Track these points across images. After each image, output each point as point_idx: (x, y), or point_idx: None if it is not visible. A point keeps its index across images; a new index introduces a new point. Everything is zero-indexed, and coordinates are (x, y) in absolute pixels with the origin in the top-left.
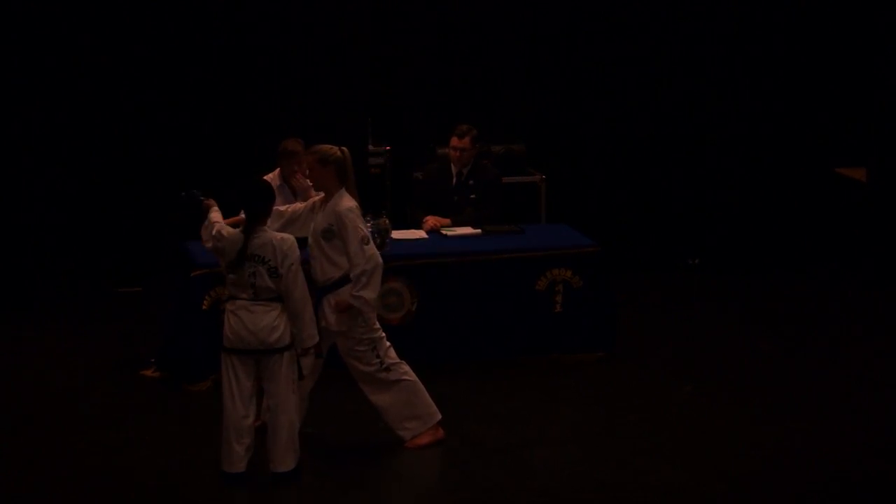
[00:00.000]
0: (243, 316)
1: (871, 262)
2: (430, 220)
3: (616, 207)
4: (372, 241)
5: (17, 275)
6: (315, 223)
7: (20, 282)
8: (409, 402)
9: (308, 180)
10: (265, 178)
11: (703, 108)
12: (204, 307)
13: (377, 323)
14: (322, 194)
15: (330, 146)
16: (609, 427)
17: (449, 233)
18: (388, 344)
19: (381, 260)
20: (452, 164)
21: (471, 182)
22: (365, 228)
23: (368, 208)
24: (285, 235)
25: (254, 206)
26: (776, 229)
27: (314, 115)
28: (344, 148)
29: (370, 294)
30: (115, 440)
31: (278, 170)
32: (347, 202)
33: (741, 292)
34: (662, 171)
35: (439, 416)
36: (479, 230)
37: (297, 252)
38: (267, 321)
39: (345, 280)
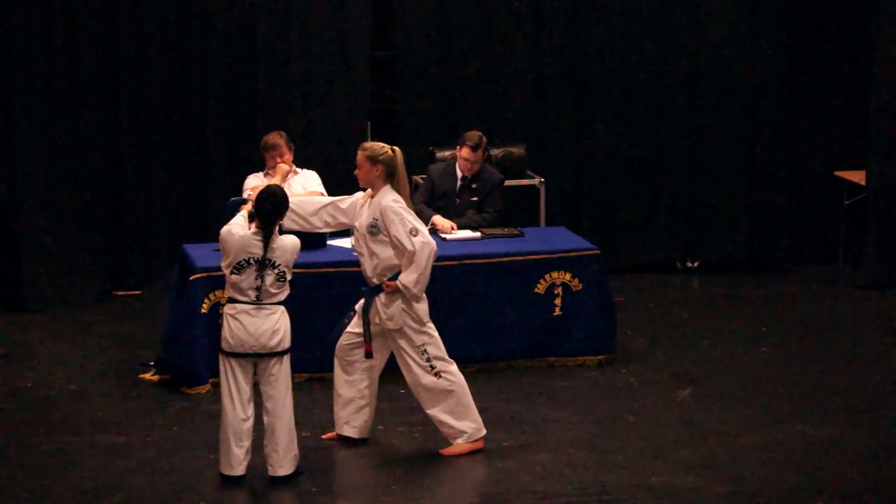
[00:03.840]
0: (244, 320)
1: (871, 263)
2: (438, 222)
3: (615, 210)
4: (424, 233)
5: (16, 278)
6: (360, 221)
7: (19, 285)
8: (455, 408)
9: (286, 165)
10: (255, 175)
11: (702, 110)
12: (203, 310)
13: (429, 324)
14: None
15: (382, 144)
16: (609, 429)
17: (448, 236)
18: (440, 346)
19: (432, 249)
20: (459, 170)
21: (474, 185)
22: (415, 221)
23: None
24: (294, 238)
25: (268, 210)
26: (776, 231)
27: (313, 117)
28: (395, 147)
29: (408, 278)
30: (115, 443)
31: (266, 170)
32: (392, 196)
33: (740, 294)
34: (661, 174)
35: (483, 432)
36: (478, 234)
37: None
38: (269, 325)
39: (397, 275)
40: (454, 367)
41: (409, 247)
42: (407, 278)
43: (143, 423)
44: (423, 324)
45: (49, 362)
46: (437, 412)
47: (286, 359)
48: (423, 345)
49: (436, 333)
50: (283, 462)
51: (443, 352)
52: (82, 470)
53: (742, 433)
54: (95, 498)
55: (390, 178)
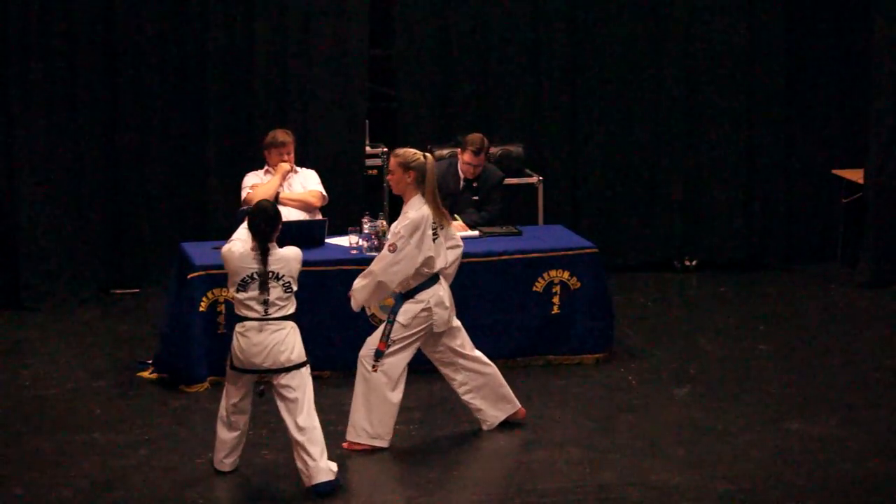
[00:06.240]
0: (252, 336)
1: (871, 262)
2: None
3: (613, 209)
4: (399, 259)
5: (14, 276)
6: (392, 225)
7: (17, 283)
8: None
9: (287, 164)
10: (254, 173)
11: (700, 109)
12: (201, 308)
13: (411, 335)
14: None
15: (414, 151)
16: (608, 428)
17: None
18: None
19: (391, 279)
20: (461, 172)
21: (475, 184)
22: (405, 242)
23: (366, 210)
24: (295, 249)
25: (261, 227)
26: (773, 229)
27: (312, 115)
28: (428, 154)
29: (358, 284)
30: (113, 441)
31: (266, 167)
32: (416, 212)
33: (739, 293)
34: (660, 173)
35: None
36: (476, 232)
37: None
38: (277, 341)
39: (422, 285)
40: (389, 375)
41: (377, 260)
42: (356, 284)
43: (141, 422)
44: (404, 327)
45: (47, 360)
46: (356, 399)
47: (305, 371)
48: (387, 336)
49: (406, 350)
50: (319, 470)
51: (398, 367)
52: (80, 468)
53: (740, 431)
54: (93, 496)
55: (422, 184)
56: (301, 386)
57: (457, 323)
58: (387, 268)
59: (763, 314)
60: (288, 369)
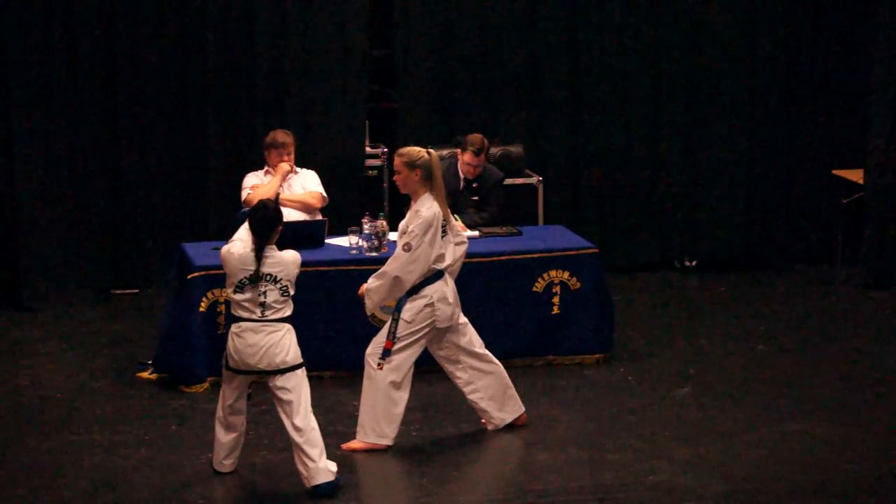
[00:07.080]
0: (248, 337)
1: (869, 262)
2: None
3: (613, 209)
4: (407, 257)
5: (15, 277)
6: (401, 223)
7: (17, 284)
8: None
9: (287, 165)
10: (254, 173)
11: (700, 109)
12: (201, 309)
13: (416, 334)
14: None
15: (418, 149)
16: (607, 428)
17: None
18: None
19: (407, 277)
20: (462, 173)
21: (475, 184)
22: (419, 241)
23: (366, 210)
24: (294, 252)
25: (259, 225)
26: (773, 230)
27: (312, 116)
28: (431, 150)
29: (373, 284)
30: (113, 442)
31: (266, 168)
32: (428, 210)
33: (739, 293)
34: (659, 173)
35: (388, 444)
36: (476, 232)
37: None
38: (272, 342)
39: (425, 281)
40: (393, 377)
41: (392, 260)
42: (371, 283)
43: (141, 422)
44: (408, 324)
45: (47, 361)
46: (363, 398)
47: (301, 372)
48: (394, 334)
49: (412, 348)
50: (322, 471)
51: (405, 364)
52: (80, 468)
53: (739, 432)
54: (93, 496)
55: (429, 180)
56: (296, 387)
57: (464, 320)
58: (404, 266)
59: (762, 314)
60: (283, 371)
